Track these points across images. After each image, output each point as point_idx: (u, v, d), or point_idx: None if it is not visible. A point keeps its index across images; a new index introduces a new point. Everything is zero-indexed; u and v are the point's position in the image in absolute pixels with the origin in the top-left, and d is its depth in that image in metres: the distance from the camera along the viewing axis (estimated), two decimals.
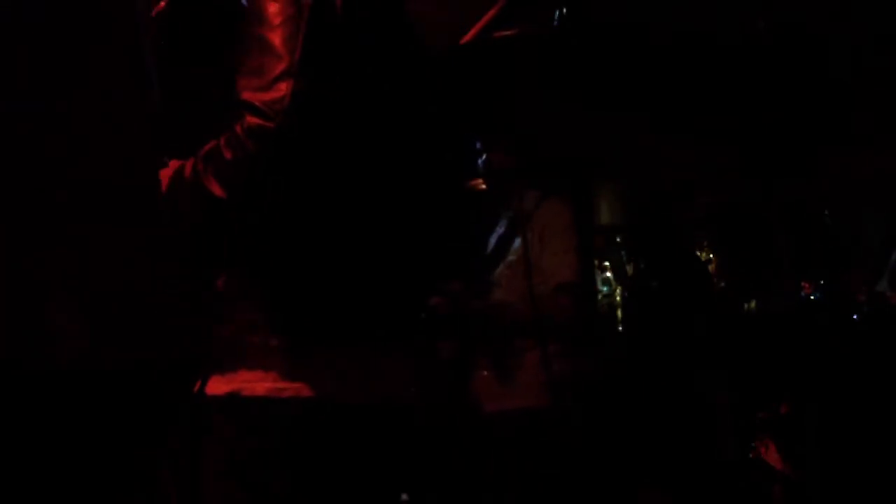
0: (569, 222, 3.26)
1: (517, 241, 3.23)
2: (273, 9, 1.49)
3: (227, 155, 1.46)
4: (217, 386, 1.51)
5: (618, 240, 6.06)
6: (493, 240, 3.31)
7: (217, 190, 1.47)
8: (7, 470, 1.51)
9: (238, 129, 1.46)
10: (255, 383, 1.48)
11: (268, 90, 1.46)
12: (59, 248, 1.54)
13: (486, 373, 3.16)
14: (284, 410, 1.46)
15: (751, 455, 3.83)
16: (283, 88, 1.46)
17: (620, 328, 5.28)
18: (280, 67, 1.47)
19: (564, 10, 1.64)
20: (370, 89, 1.52)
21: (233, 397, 1.49)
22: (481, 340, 3.17)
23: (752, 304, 4.79)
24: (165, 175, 1.55)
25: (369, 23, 1.54)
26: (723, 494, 3.97)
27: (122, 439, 1.61)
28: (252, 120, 1.46)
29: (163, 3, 1.65)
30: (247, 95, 1.47)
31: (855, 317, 4.54)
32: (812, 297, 4.79)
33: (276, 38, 1.48)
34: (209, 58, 1.63)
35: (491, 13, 1.49)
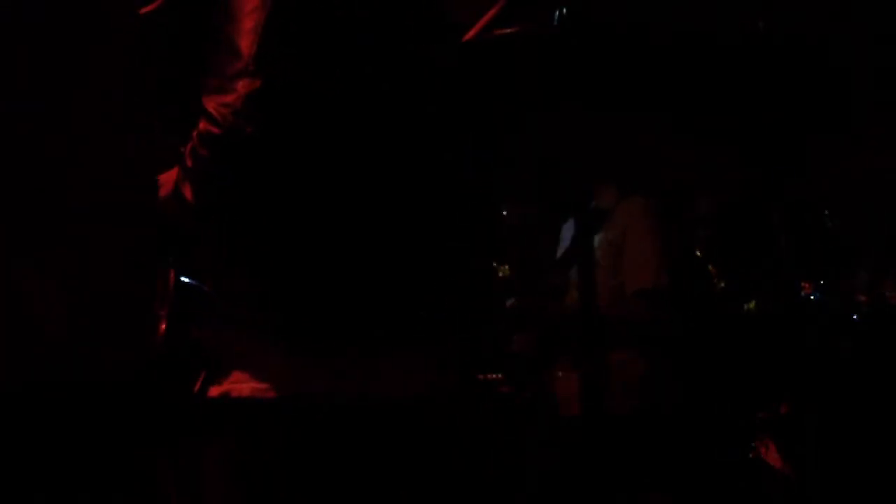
0: (652, 224, 3.10)
1: (597, 241, 3.10)
2: (237, 2, 1.40)
3: (189, 163, 1.44)
4: (210, 387, 1.51)
5: None
6: (568, 238, 3.17)
7: (188, 194, 1.45)
8: (10, 470, 1.50)
9: (195, 135, 1.42)
10: (243, 384, 1.48)
11: (224, 92, 1.39)
12: (59, 249, 1.54)
13: (561, 374, 3.06)
14: (271, 410, 1.45)
15: (751, 455, 3.83)
16: (239, 88, 1.37)
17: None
18: (237, 66, 1.38)
19: (564, 10, 1.64)
20: (369, 89, 1.50)
21: (223, 398, 1.48)
22: (557, 341, 3.06)
23: (753, 304, 4.78)
24: (173, 175, 1.53)
25: (368, 22, 1.52)
26: (723, 494, 3.96)
27: (122, 440, 1.61)
28: (202, 126, 1.41)
29: (157, 3, 1.62)
30: (203, 98, 1.41)
31: (855, 317, 4.53)
32: (812, 297, 4.78)
33: (237, 34, 1.39)
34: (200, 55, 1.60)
35: (491, 13, 1.49)
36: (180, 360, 1.59)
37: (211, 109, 1.38)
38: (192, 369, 1.56)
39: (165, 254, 1.63)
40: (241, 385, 1.47)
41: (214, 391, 1.50)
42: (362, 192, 1.50)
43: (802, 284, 4.63)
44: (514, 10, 1.54)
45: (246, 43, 1.37)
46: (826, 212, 5.55)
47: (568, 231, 3.34)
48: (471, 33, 1.50)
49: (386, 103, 1.51)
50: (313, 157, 1.45)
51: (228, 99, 1.37)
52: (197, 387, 1.56)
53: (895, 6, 4.88)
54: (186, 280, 1.61)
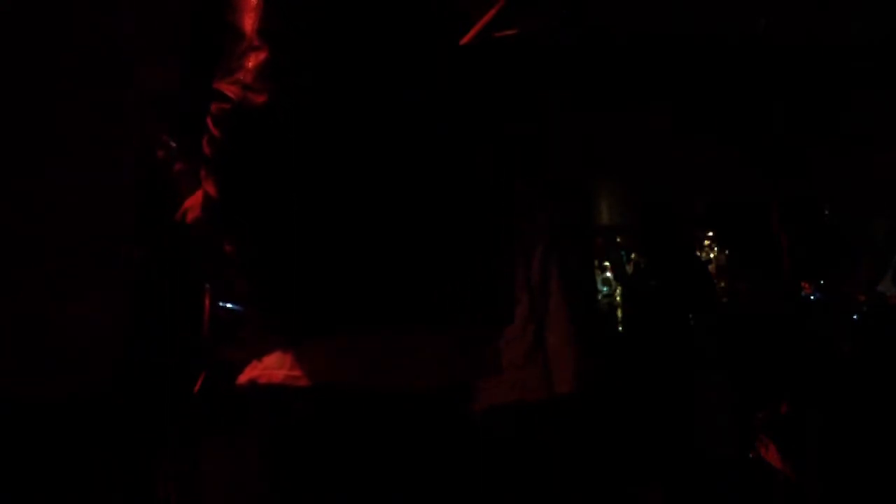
0: None
1: None
2: None
3: (207, 151, 1.43)
4: (240, 376, 1.49)
5: (618, 240, 6.05)
6: None
7: (212, 190, 1.45)
8: (10, 472, 1.51)
9: (208, 120, 1.42)
10: (274, 370, 1.47)
11: (233, 72, 1.40)
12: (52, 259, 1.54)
13: None
14: (300, 397, 1.44)
15: (751, 455, 3.83)
16: (247, 64, 1.38)
17: (620, 328, 5.28)
18: (243, 46, 1.39)
19: (565, 11, 1.64)
20: (374, 89, 1.50)
21: (251, 385, 1.47)
22: None
23: (753, 304, 4.78)
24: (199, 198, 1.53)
25: (372, 22, 1.52)
26: (722, 494, 3.97)
27: (121, 442, 1.61)
28: (214, 107, 1.41)
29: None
30: (215, 83, 1.42)
31: (855, 317, 4.54)
32: (812, 297, 4.79)
33: (240, 18, 1.40)
34: None
35: (491, 13, 1.49)
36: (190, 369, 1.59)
37: (222, 89, 1.39)
38: (193, 370, 1.56)
39: (201, 279, 1.62)
40: (272, 372, 1.46)
41: (244, 377, 1.48)
42: (389, 167, 1.47)
43: (802, 284, 4.64)
44: (513, 11, 1.53)
45: (248, 22, 1.39)
46: (826, 211, 5.56)
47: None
48: (470, 34, 1.50)
49: (393, 101, 1.50)
50: (332, 130, 1.43)
51: (238, 76, 1.38)
52: (197, 387, 1.56)
53: (895, 6, 4.89)
54: (225, 305, 1.61)
